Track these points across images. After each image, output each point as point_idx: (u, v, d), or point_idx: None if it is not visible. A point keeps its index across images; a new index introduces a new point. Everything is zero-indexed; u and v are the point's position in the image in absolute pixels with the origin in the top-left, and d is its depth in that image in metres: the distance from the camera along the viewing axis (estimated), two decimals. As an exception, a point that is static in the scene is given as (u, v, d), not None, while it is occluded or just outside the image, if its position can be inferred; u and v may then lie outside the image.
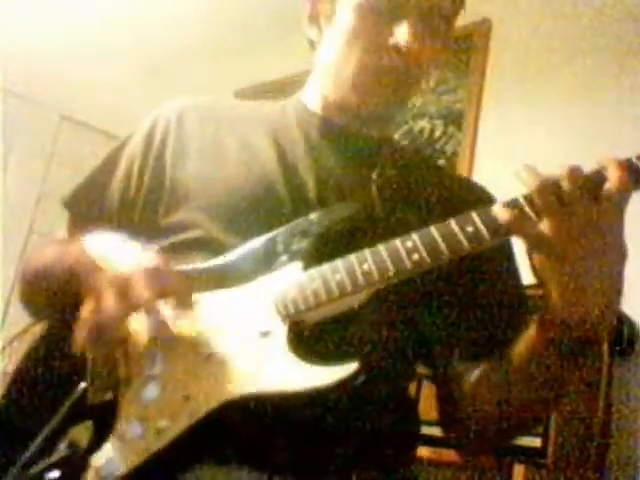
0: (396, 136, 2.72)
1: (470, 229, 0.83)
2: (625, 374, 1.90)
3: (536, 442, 1.68)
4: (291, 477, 0.89)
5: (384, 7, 1.01)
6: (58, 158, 3.59)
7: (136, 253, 0.91)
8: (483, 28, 2.67)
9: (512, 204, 0.82)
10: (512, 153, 2.28)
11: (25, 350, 1.02)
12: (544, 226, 0.81)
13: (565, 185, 0.79)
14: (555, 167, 0.83)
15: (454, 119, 2.65)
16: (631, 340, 1.87)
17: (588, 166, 0.83)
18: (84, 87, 3.58)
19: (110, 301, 0.83)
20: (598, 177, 0.80)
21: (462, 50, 2.68)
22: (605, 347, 1.72)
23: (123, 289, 0.84)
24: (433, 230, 0.85)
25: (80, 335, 0.84)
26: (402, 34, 1.00)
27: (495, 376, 0.99)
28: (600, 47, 2.35)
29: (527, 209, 0.81)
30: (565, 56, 2.43)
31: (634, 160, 0.81)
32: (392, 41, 1.01)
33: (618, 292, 0.85)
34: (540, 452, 1.67)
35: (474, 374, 1.02)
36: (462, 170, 2.53)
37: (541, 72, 2.46)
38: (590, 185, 0.80)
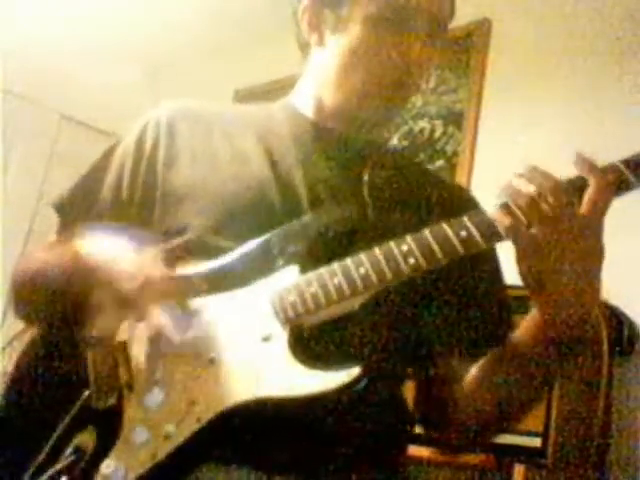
0: (396, 137, 2.72)
1: (464, 233, 0.85)
2: (625, 374, 1.90)
3: (536, 442, 1.68)
4: (291, 477, 0.89)
5: (394, 18, 1.04)
6: (58, 158, 3.58)
7: (142, 254, 0.93)
8: (483, 28, 2.67)
9: (505, 208, 0.84)
10: (512, 153, 2.28)
11: (23, 349, 1.02)
12: (534, 231, 0.83)
13: (549, 198, 0.82)
14: (555, 168, 0.84)
15: (454, 119, 2.64)
16: (631, 340, 1.87)
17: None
18: (84, 87, 3.58)
19: (145, 299, 0.88)
20: (579, 183, 0.83)
21: (462, 50, 2.68)
22: (605, 347, 1.72)
23: (148, 286, 0.88)
24: (427, 234, 0.87)
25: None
26: (412, 43, 1.04)
27: (495, 376, 1.00)
28: (600, 47, 2.35)
29: (519, 214, 0.83)
30: (565, 56, 2.43)
31: (617, 165, 0.83)
32: (402, 50, 1.04)
33: (598, 291, 0.89)
34: (540, 452, 1.67)
35: (471, 375, 1.03)
36: (462, 170, 2.53)
37: (541, 72, 2.46)
38: (571, 193, 0.83)
